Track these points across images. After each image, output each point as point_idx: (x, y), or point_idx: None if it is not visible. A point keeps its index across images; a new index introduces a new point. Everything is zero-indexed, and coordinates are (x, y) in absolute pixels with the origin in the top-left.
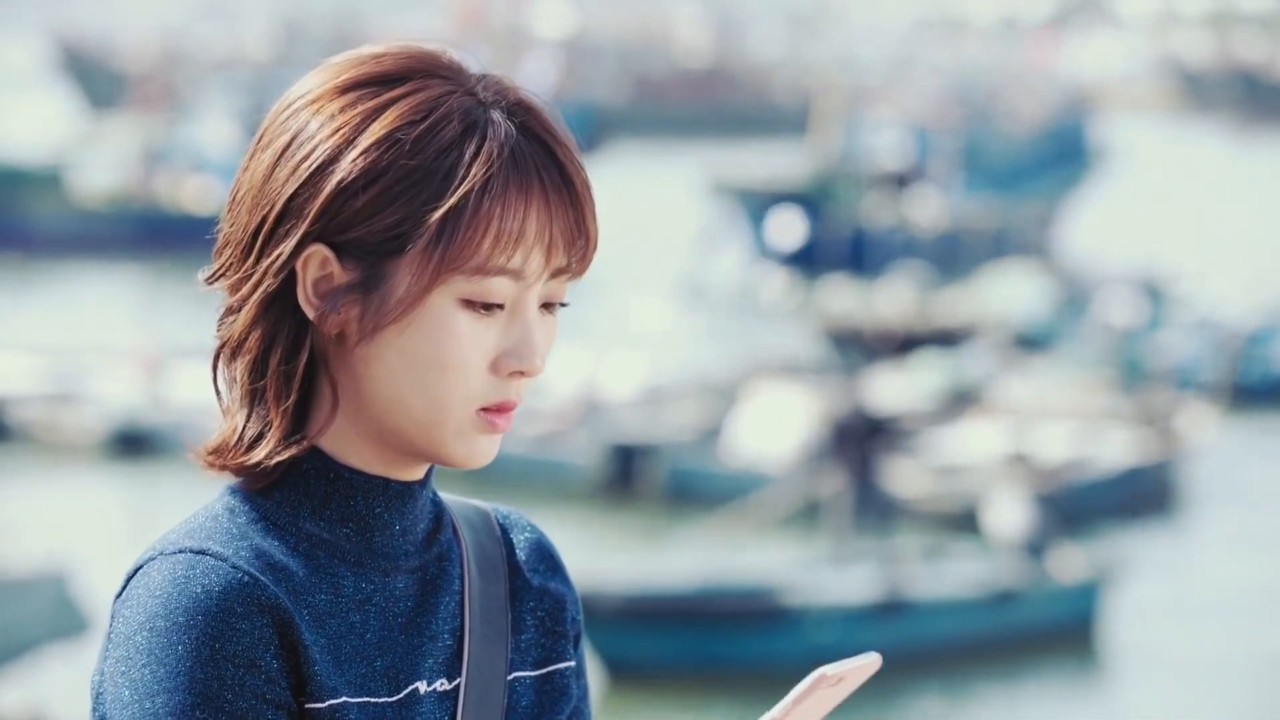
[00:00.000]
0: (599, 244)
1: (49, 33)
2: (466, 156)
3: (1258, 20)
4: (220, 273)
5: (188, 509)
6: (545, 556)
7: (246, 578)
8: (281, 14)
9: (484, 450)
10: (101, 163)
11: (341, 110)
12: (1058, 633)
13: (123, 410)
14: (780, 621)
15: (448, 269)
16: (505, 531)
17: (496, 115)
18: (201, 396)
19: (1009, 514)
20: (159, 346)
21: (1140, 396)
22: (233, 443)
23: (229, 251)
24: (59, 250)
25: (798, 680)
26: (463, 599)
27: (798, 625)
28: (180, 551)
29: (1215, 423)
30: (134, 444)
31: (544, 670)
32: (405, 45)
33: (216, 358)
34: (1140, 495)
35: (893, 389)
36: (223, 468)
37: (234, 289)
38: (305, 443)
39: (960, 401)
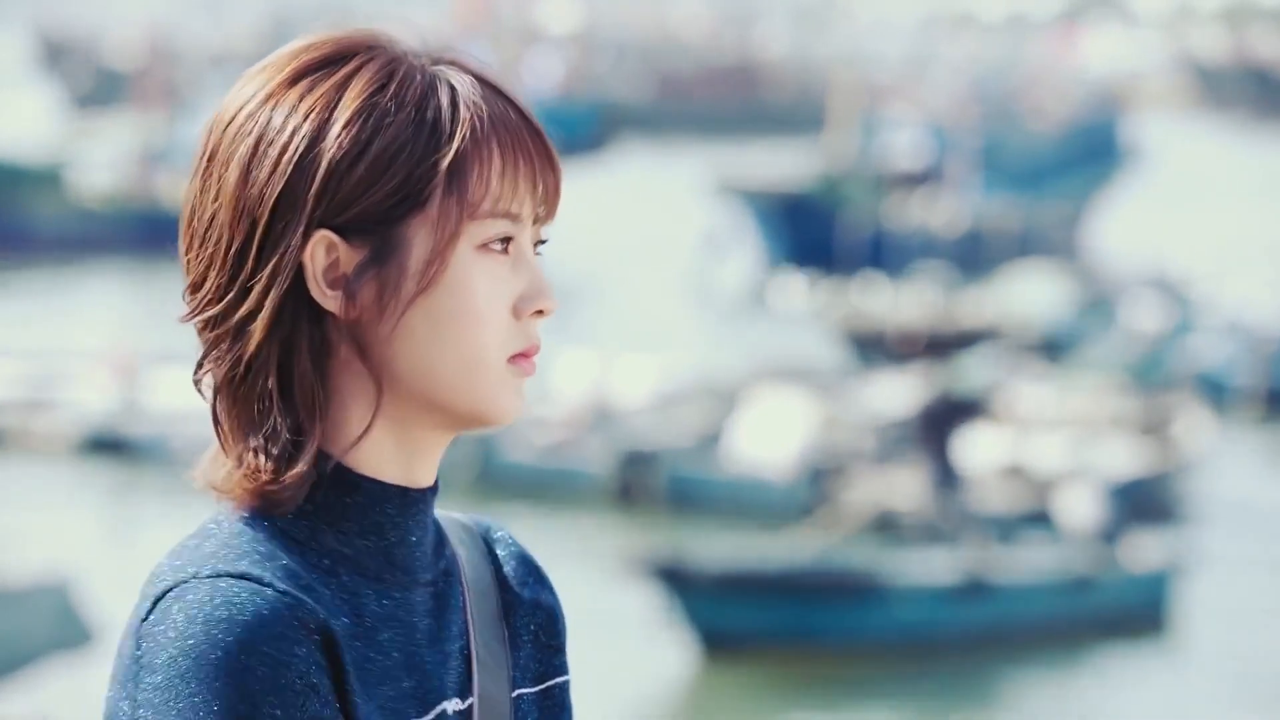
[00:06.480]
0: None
1: (34, 28)
2: (445, 105)
3: (1273, 16)
4: (204, 304)
5: (167, 517)
6: (530, 569)
7: (293, 600)
8: (270, 9)
9: (516, 404)
10: (100, 162)
11: (301, 98)
12: (1130, 618)
13: (98, 416)
14: (869, 599)
15: (468, 216)
16: (489, 545)
17: (448, 70)
18: (181, 402)
19: (1081, 504)
20: (137, 350)
21: (1149, 403)
22: (262, 467)
23: (214, 277)
24: (58, 250)
25: (886, 655)
26: (465, 616)
27: (886, 603)
28: (217, 575)
29: (1216, 431)
30: (110, 451)
31: (543, 686)
32: (330, 32)
33: (217, 392)
34: (1140, 510)
35: (900, 393)
36: (252, 494)
37: (230, 309)
38: (345, 450)
39: (968, 407)
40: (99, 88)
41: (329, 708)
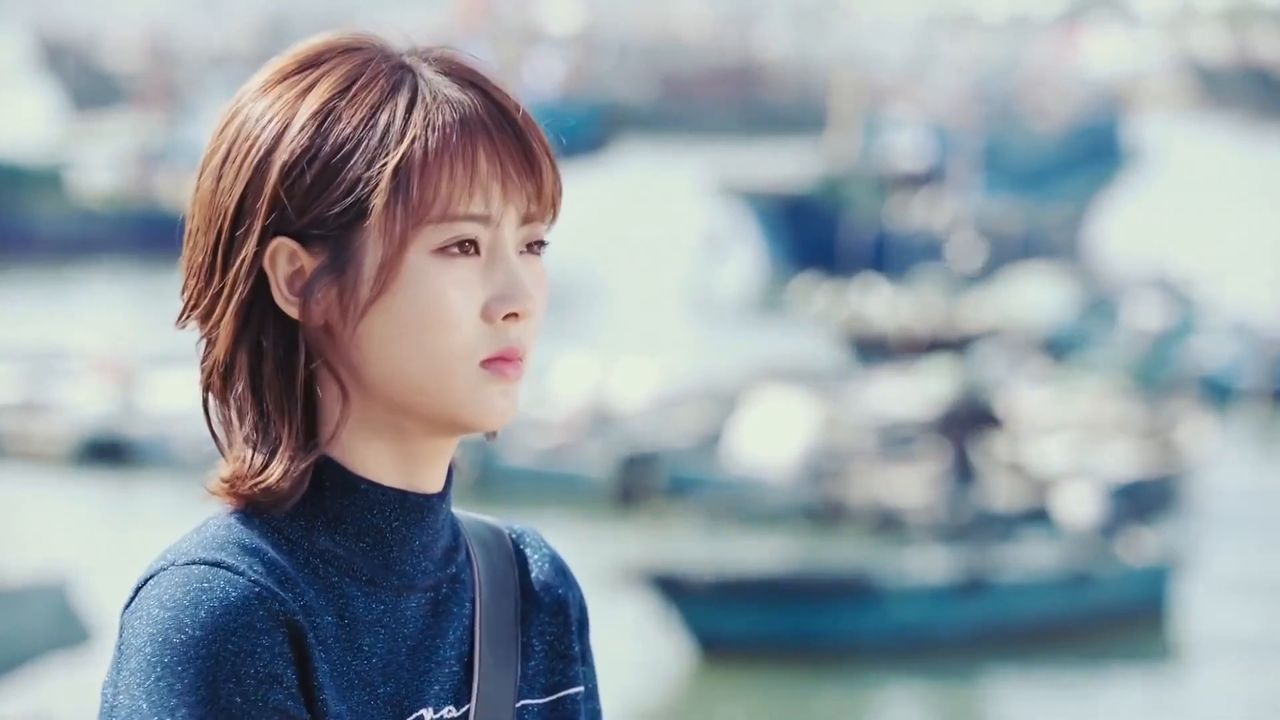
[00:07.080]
0: (562, 185)
1: (34, 28)
2: (402, 108)
3: (1274, 16)
4: (189, 308)
5: (166, 519)
6: (558, 574)
7: (264, 591)
8: (270, 9)
9: (501, 408)
10: (100, 162)
11: (271, 104)
12: (1130, 614)
13: (96, 419)
14: (865, 600)
15: (415, 222)
16: (519, 551)
17: (423, 68)
18: (179, 404)
19: (1081, 504)
20: (135, 352)
21: (1151, 406)
22: (244, 470)
23: (192, 282)
24: (58, 251)
25: (884, 656)
26: (472, 623)
27: (883, 604)
28: (194, 563)
29: (1218, 435)
30: (108, 454)
31: (553, 697)
32: (326, 34)
33: (206, 396)
34: (1140, 512)
35: (901, 394)
36: (240, 495)
37: (206, 315)
38: (319, 449)
39: (987, 407)
40: (99, 88)
41: (293, 699)
